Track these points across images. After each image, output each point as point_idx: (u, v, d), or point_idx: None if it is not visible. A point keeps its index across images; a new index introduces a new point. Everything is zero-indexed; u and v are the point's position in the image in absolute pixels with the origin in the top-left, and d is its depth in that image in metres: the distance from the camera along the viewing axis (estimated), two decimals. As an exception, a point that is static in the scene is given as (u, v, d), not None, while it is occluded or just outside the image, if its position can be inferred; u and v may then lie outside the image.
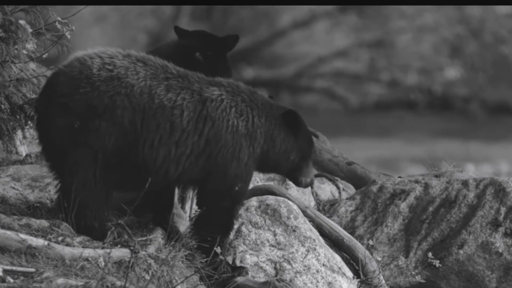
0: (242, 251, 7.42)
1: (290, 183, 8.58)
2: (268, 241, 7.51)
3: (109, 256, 6.31)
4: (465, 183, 8.80)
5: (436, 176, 9.47)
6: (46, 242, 6.17)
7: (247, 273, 7.25)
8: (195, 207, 7.26)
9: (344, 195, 9.48)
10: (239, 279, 7.05)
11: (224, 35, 7.83)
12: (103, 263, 6.23)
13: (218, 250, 6.57)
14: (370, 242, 8.44)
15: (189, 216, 7.61)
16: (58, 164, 6.79)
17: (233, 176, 6.86)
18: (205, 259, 6.88)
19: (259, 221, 7.60)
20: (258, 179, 8.83)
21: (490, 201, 8.55)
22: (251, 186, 7.60)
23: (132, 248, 6.45)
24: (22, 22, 7.84)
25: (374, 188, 9.09)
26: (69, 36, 8.07)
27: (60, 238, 6.39)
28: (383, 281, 7.90)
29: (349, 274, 7.68)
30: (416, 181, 9.05)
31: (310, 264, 7.49)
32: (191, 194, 7.68)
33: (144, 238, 6.83)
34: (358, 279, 7.78)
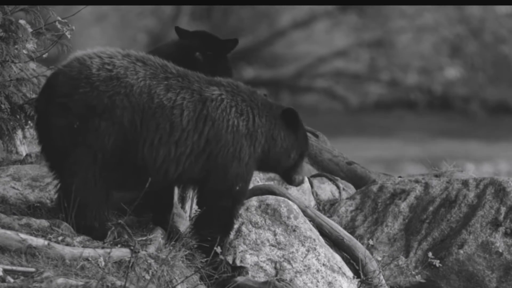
0: (242, 250, 7.41)
1: (291, 183, 8.56)
2: (268, 240, 7.51)
3: (109, 256, 6.30)
4: (465, 183, 8.79)
5: (436, 176, 9.45)
6: (46, 242, 6.17)
7: (247, 273, 7.24)
8: (195, 207, 7.25)
9: (344, 195, 9.47)
10: (239, 279, 7.05)
11: (224, 37, 7.83)
12: (103, 263, 6.22)
13: (218, 250, 6.56)
14: (370, 242, 8.43)
15: (189, 216, 7.61)
16: (58, 164, 6.79)
17: (234, 176, 6.85)
18: (205, 259, 6.87)
19: (259, 220, 7.59)
20: (258, 179, 8.82)
21: (490, 201, 8.54)
22: (251, 186, 7.60)
23: (132, 248, 6.44)
24: (22, 21, 7.83)
25: (374, 188, 9.08)
26: (69, 36, 8.07)
27: (60, 238, 6.39)
28: (383, 281, 7.89)
29: (349, 273, 7.67)
30: (416, 181, 9.04)
31: (310, 264, 7.48)
32: (191, 194, 7.67)
33: (144, 238, 6.82)
34: (358, 279, 7.77)
